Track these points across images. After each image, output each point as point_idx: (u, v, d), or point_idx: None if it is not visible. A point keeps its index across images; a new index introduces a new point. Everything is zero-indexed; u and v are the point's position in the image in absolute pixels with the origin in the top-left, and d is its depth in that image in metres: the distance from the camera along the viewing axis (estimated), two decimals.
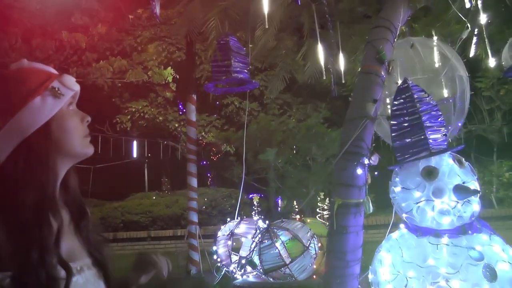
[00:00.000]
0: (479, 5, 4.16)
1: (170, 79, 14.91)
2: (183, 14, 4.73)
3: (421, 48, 3.92)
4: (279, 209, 11.70)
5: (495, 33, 4.95)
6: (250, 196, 13.01)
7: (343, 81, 4.97)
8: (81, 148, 1.31)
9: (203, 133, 15.68)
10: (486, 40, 4.37)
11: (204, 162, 16.61)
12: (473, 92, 13.22)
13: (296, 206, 10.23)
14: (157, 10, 3.75)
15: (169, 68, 14.93)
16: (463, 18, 3.92)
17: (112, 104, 14.93)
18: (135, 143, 16.88)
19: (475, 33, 4.54)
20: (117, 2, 13.63)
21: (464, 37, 4.08)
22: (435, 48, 3.98)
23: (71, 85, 1.26)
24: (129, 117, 15.22)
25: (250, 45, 4.94)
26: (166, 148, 17.36)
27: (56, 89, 1.21)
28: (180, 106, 15.93)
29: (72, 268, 1.20)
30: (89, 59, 12.96)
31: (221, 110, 16.23)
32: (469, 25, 4.02)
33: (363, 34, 4.91)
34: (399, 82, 3.56)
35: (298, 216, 7.22)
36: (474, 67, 7.08)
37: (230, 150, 14.99)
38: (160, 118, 15.56)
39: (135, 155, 16.95)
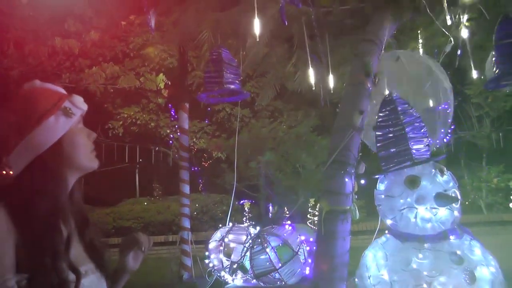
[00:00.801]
0: (462, 19, 4.33)
1: (162, 85, 15.02)
2: (176, 25, 4.85)
3: (406, 61, 4.08)
4: (270, 215, 11.83)
5: (479, 45, 5.11)
6: (241, 202, 13.14)
7: (331, 92, 5.11)
8: (88, 162, 1.45)
9: (194, 139, 15.77)
10: (469, 53, 4.52)
11: (195, 168, 16.70)
12: (460, 99, 13.40)
13: (287, 212, 10.38)
14: (152, 23, 3.89)
15: (161, 74, 15.05)
16: (446, 33, 4.07)
17: (104, 110, 15.00)
18: (127, 149, 16.93)
19: (460, 45, 4.70)
20: (109, 8, 13.72)
21: (447, 51, 4.24)
22: (419, 61, 4.15)
23: (81, 105, 1.40)
24: (121, 123, 15.31)
25: (243, 52, 5.09)
26: (157, 154, 17.44)
27: (68, 109, 1.35)
28: (172, 112, 16.02)
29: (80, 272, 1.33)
30: (82, 65, 13.03)
31: (213, 116, 16.34)
32: (452, 39, 4.17)
33: (352, 45, 5.05)
34: (386, 93, 3.73)
35: (289, 222, 7.34)
36: (463, 74, 7.27)
37: (221, 156, 15.11)
38: (152, 124, 15.67)
39: (126, 160, 17.00)
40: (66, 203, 1.41)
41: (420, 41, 4.90)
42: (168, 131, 15.98)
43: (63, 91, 1.46)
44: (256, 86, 14.01)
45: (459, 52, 4.80)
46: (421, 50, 5.17)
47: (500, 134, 15.30)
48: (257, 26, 3.54)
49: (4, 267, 1.19)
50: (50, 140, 1.34)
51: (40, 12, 12.52)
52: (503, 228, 13.22)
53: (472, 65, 4.62)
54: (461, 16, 4.33)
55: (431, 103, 4.08)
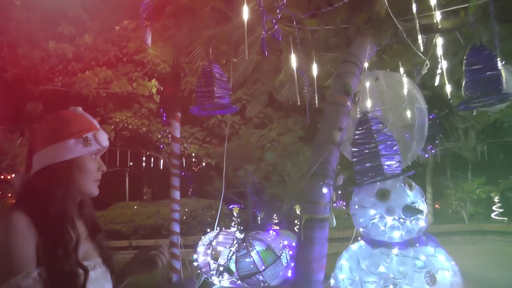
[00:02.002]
0: (438, 44, 4.68)
1: (154, 90, 15.20)
2: (171, 40, 5.14)
3: (385, 81, 4.40)
4: (259, 220, 12.08)
5: (458, 64, 5.42)
6: (230, 207, 13.37)
7: (317, 106, 5.41)
8: (88, 188, 1.75)
9: (185, 145, 15.91)
10: (444, 75, 4.85)
11: (185, 173, 16.84)
12: (447, 111, 13.66)
13: (276, 218, 10.65)
14: (149, 41, 4.18)
15: (154, 80, 15.24)
16: (422, 57, 4.40)
17: (96, 114, 15.08)
18: (118, 153, 17.04)
19: (440, 65, 5.03)
20: (103, 12, 13.88)
21: (423, 73, 4.57)
22: (397, 81, 4.47)
23: (101, 141, 1.70)
24: (113, 127, 15.34)
25: (235, 60, 5.37)
26: (148, 158, 17.56)
27: (88, 139, 1.66)
28: (164, 118, 16.17)
29: (88, 265, 1.63)
30: (75, 69, 13.09)
31: (204, 122, 16.52)
32: (428, 62, 4.50)
33: (337, 61, 5.34)
34: (368, 110, 4.07)
35: (277, 227, 7.60)
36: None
37: (211, 162, 15.29)
38: (144, 129, 15.74)
39: (117, 165, 17.12)
40: (72, 211, 1.69)
41: (400, 63, 5.22)
42: (159, 136, 16.09)
43: (96, 124, 1.76)
44: (247, 93, 14.24)
45: (438, 71, 5.12)
46: (402, 70, 5.51)
47: (485, 146, 15.69)
48: (246, 45, 3.82)
49: (28, 261, 1.46)
50: (64, 156, 1.64)
51: (33, 14, 12.69)
52: (483, 237, 13.63)
53: (448, 85, 4.96)
54: (437, 41, 4.67)
55: (407, 121, 4.39)
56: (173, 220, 7.30)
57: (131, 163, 17.68)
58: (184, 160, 16.22)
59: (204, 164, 16.50)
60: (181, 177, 7.93)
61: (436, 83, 5.41)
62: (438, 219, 15.99)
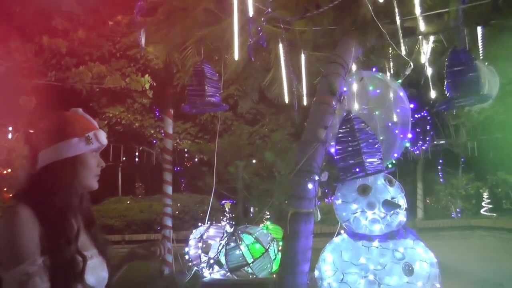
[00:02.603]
0: (422, 46, 4.86)
1: (147, 86, 15.29)
2: (164, 39, 5.28)
3: (369, 81, 4.57)
4: (252, 215, 12.25)
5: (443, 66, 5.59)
6: (222, 202, 13.55)
7: (305, 104, 5.58)
8: (90, 182, 1.93)
9: (177, 140, 16.03)
10: (428, 77, 5.04)
11: (178, 168, 16.96)
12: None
13: (268, 214, 10.84)
14: (143, 42, 4.33)
15: (147, 75, 15.32)
16: (406, 58, 4.58)
17: (90, 109, 15.13)
18: (111, 148, 17.11)
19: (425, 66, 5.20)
20: (97, 7, 13.91)
21: (407, 73, 4.74)
22: (381, 81, 4.64)
23: (101, 140, 1.88)
24: (106, 122, 15.43)
25: (226, 56, 5.52)
26: (141, 153, 17.67)
27: (90, 138, 1.83)
28: (157, 113, 16.26)
29: (86, 255, 1.79)
30: (68, 64, 13.13)
31: (196, 118, 16.66)
32: (411, 63, 4.67)
33: (324, 61, 5.50)
34: (356, 109, 4.25)
35: (268, 222, 7.76)
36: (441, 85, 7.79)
37: (203, 157, 15.44)
38: (137, 124, 15.85)
39: (110, 159, 17.20)
40: (75, 204, 1.86)
41: (386, 63, 5.38)
42: (152, 131, 16.22)
43: (95, 124, 1.93)
44: (239, 89, 14.37)
45: (427, 70, 5.28)
46: (388, 69, 5.67)
47: (475, 143, 15.93)
48: (236, 39, 3.97)
49: (33, 250, 1.63)
50: (68, 153, 1.81)
51: (27, 8, 12.74)
52: (471, 233, 13.89)
53: (431, 85, 5.14)
54: (421, 43, 4.85)
55: (391, 120, 4.57)
56: (165, 214, 7.47)
57: (123, 158, 17.77)
58: (176, 155, 16.33)
59: (196, 159, 16.63)
60: (174, 172, 8.07)
61: (422, 82, 5.57)
62: (428, 214, 16.23)
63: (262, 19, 3.84)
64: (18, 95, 11.81)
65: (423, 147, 16.28)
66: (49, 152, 1.79)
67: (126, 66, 15.15)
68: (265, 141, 12.42)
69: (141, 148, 17.32)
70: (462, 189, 15.55)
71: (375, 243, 3.53)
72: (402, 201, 3.63)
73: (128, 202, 15.42)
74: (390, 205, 3.48)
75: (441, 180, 16.15)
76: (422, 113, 15.61)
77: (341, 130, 3.74)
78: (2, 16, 11.93)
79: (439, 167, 16.66)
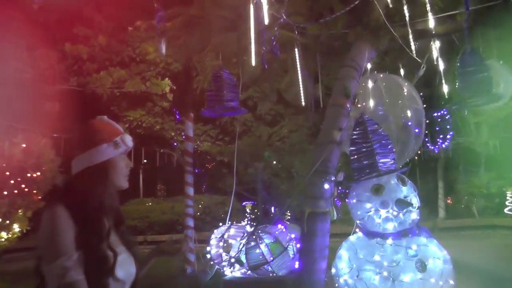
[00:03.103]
0: (434, 47, 4.96)
1: (167, 89, 15.50)
2: (182, 48, 5.47)
3: (383, 83, 4.70)
4: (271, 215, 12.35)
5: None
6: (244, 203, 13.70)
7: (321, 106, 5.71)
8: (121, 182, 2.08)
9: (198, 142, 16.19)
10: (442, 77, 5.13)
11: (199, 170, 17.11)
12: (459, 106, 13.72)
13: (289, 214, 10.94)
14: (163, 49, 4.51)
15: (167, 79, 15.53)
16: (418, 60, 4.69)
17: (111, 113, 15.31)
18: (132, 151, 17.26)
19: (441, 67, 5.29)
20: (117, 13, 14.17)
21: (420, 75, 4.85)
22: (395, 83, 4.76)
23: (128, 143, 2.04)
24: (127, 125, 15.60)
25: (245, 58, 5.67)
26: (162, 156, 17.88)
27: (117, 142, 1.99)
28: (177, 116, 16.44)
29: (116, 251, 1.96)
30: (90, 69, 13.40)
31: (216, 120, 16.80)
32: (424, 65, 4.78)
33: (339, 63, 5.62)
34: (371, 110, 4.38)
35: (288, 223, 7.86)
36: None
37: (223, 159, 15.58)
38: (157, 127, 16.03)
39: (132, 162, 17.32)
40: (107, 205, 2.03)
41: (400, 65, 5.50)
42: (172, 133, 16.40)
43: (120, 128, 2.10)
44: (258, 91, 14.49)
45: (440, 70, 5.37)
46: (402, 71, 5.77)
47: (497, 141, 15.71)
48: (252, 45, 4.13)
49: (70, 246, 1.79)
50: (99, 159, 1.98)
51: (50, 17, 13.08)
52: (493, 232, 13.71)
53: (444, 87, 5.23)
54: (433, 44, 4.95)
55: (404, 120, 4.69)
56: (187, 215, 7.65)
57: (145, 161, 17.99)
58: (197, 157, 16.49)
59: (216, 162, 16.75)
60: (195, 174, 8.23)
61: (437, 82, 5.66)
62: (450, 214, 16.07)
63: (276, 28, 3.98)
64: (42, 101, 12.12)
65: (443, 146, 16.09)
66: (82, 159, 1.96)
67: (146, 70, 15.41)
68: (284, 141, 12.51)
69: (162, 150, 17.52)
70: (483, 187, 15.39)
71: (389, 241, 3.66)
72: (415, 200, 3.76)
73: (150, 203, 15.65)
74: (403, 203, 3.61)
75: (462, 178, 15.97)
76: (442, 112, 15.43)
77: (354, 132, 3.88)
78: (27, 26, 12.27)
79: (459, 166, 16.45)
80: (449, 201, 17.04)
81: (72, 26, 13.42)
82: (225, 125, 16.49)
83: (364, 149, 3.81)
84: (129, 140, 2.06)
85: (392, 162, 3.82)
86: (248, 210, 13.11)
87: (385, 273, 3.52)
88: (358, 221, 3.89)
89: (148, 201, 16.35)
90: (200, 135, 16.35)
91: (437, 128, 15.64)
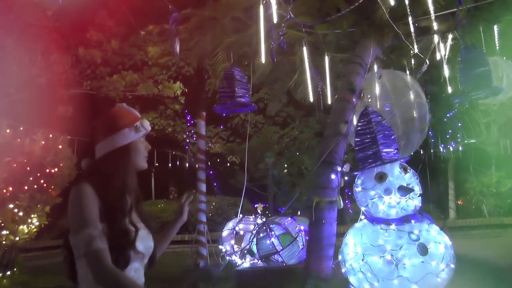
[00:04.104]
0: (440, 43, 5.12)
1: (179, 92, 15.70)
2: (195, 47, 5.69)
3: (388, 79, 4.88)
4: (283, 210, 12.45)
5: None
6: (255, 205, 13.81)
7: (329, 103, 5.89)
8: (141, 163, 2.28)
9: (210, 144, 16.32)
10: (446, 72, 5.28)
11: (211, 172, 17.23)
12: (468, 106, 13.66)
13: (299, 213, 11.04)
14: (177, 49, 4.73)
15: (178, 82, 15.75)
16: (421, 56, 4.86)
17: None
18: None
19: (445, 63, 5.45)
20: (129, 18, 14.41)
21: (423, 71, 5.02)
22: (399, 79, 4.94)
23: (147, 127, 2.24)
24: None
25: (252, 68, 5.89)
26: (174, 158, 18.03)
27: (138, 127, 2.19)
28: (188, 118, 16.61)
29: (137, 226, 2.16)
30: (103, 73, 13.59)
31: (228, 122, 16.92)
32: (427, 61, 4.95)
33: (346, 62, 5.80)
34: (376, 103, 4.57)
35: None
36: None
37: (235, 160, 15.71)
38: (169, 129, 16.23)
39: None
40: (130, 183, 2.23)
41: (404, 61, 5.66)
42: (184, 136, 16.57)
43: (138, 114, 2.30)
44: (269, 93, 14.59)
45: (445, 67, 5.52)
46: (407, 67, 5.93)
47: (507, 140, 15.67)
48: (263, 51, 4.34)
49: (95, 218, 1.98)
50: (122, 142, 2.18)
51: (64, 22, 13.36)
52: (504, 231, 13.59)
53: (448, 82, 5.39)
54: (441, 40, 5.12)
55: (408, 114, 4.87)
56: (200, 210, 7.85)
57: (156, 164, 18.12)
58: (209, 159, 16.61)
59: (228, 163, 16.86)
60: (207, 175, 8.38)
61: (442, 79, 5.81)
62: (461, 215, 16.02)
63: (283, 25, 4.19)
64: (56, 104, 12.37)
65: (454, 147, 16.06)
66: (106, 144, 2.16)
67: (158, 74, 15.60)
68: (293, 139, 12.63)
69: (174, 152, 17.67)
70: (493, 187, 15.35)
71: (392, 226, 3.85)
72: (417, 187, 3.95)
73: (162, 205, 15.78)
74: (405, 190, 3.81)
75: (472, 178, 15.93)
76: (452, 112, 15.43)
77: (359, 124, 4.08)
78: (42, 32, 12.56)
79: (470, 167, 16.38)
80: (460, 203, 16.98)
81: (86, 31, 13.72)
82: (237, 126, 16.58)
83: (368, 140, 4.01)
84: (147, 124, 2.25)
85: (395, 152, 4.01)
86: (259, 211, 13.22)
87: (389, 257, 3.71)
88: (363, 208, 4.09)
89: (160, 202, 16.44)
90: (211, 137, 16.48)
91: (448, 130, 15.63)
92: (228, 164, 17.07)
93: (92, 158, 2.19)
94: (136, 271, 2.11)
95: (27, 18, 12.49)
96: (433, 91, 7.79)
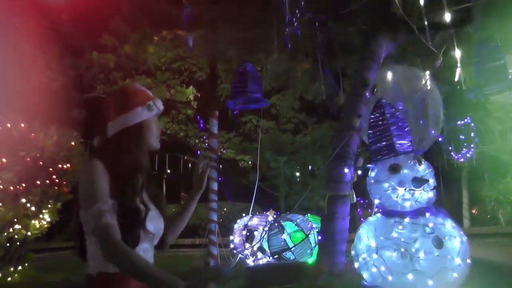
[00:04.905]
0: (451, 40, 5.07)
1: (191, 97, 15.78)
2: (207, 43, 5.70)
3: (401, 74, 4.81)
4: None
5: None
6: (266, 212, 13.77)
7: (343, 101, 5.87)
8: (154, 142, 2.26)
9: (222, 149, 16.35)
10: (458, 68, 5.22)
11: (221, 179, 17.21)
12: (482, 113, 13.48)
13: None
14: (191, 43, 4.75)
15: (191, 87, 15.84)
16: (435, 51, 4.80)
17: None
18: (156, 157, 17.54)
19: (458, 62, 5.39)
20: (142, 24, 14.56)
21: (437, 66, 4.96)
22: (412, 74, 4.87)
23: (159, 106, 2.22)
24: None
25: (266, 67, 5.89)
26: (185, 163, 18.07)
27: (151, 105, 2.18)
28: (201, 124, 16.66)
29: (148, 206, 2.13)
30: (116, 78, 13.74)
31: (240, 128, 16.94)
32: (441, 56, 4.89)
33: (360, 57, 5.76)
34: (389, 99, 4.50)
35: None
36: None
37: (246, 166, 15.69)
38: (181, 134, 16.31)
39: (156, 169, 17.59)
40: (142, 162, 2.21)
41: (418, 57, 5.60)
42: (196, 141, 16.63)
43: (150, 93, 2.29)
44: (281, 99, 14.62)
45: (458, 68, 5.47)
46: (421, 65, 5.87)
47: None
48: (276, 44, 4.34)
49: (105, 193, 1.96)
50: (135, 120, 2.16)
51: (79, 28, 13.54)
52: None
53: (462, 79, 5.31)
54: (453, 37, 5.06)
55: (422, 109, 4.79)
56: (211, 209, 7.84)
57: (168, 171, 18.15)
58: (221, 166, 16.63)
59: (241, 166, 16.84)
60: (218, 182, 8.36)
61: (456, 78, 5.75)
62: (475, 224, 15.82)
63: (297, 11, 4.18)
64: (70, 108, 12.48)
65: (468, 155, 15.89)
66: (118, 121, 2.14)
67: (171, 79, 15.73)
68: (305, 139, 12.61)
69: (186, 157, 17.71)
70: (509, 194, 15.15)
71: (407, 219, 3.79)
72: (431, 180, 3.88)
73: (173, 209, 15.82)
74: (419, 181, 3.75)
75: (487, 186, 15.74)
76: (466, 120, 15.30)
77: (372, 116, 4.04)
78: (57, 37, 12.72)
79: (485, 175, 16.20)
80: (474, 212, 16.78)
81: (100, 36, 13.89)
82: (249, 132, 16.62)
83: (381, 131, 3.96)
84: (160, 103, 2.22)
85: (409, 144, 3.96)
86: (271, 218, 13.15)
87: (403, 249, 3.64)
88: (376, 201, 4.02)
89: (171, 207, 16.49)
90: (223, 142, 16.51)
91: (461, 137, 15.50)
92: (240, 169, 17.03)
93: (104, 136, 2.17)
94: (145, 251, 2.07)
95: (44, 22, 12.69)
96: (446, 91, 7.73)
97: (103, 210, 1.89)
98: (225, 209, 14.87)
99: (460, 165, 16.20)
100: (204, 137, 15.17)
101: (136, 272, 1.85)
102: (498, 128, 15.03)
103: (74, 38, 13.38)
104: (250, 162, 15.26)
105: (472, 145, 15.55)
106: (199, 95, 15.62)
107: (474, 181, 16.68)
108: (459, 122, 14.94)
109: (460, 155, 15.61)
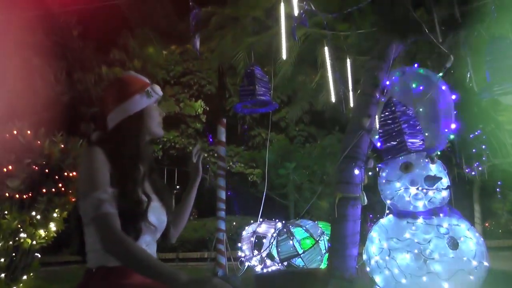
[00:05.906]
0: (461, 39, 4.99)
1: (200, 111, 15.80)
2: (216, 49, 5.67)
3: (411, 75, 4.72)
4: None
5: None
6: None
7: (352, 105, 5.77)
8: (156, 130, 2.19)
9: (230, 163, 16.29)
10: (469, 68, 5.12)
11: (230, 193, 17.16)
12: (494, 126, 13.37)
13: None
14: (197, 45, 4.70)
15: (200, 100, 15.88)
16: (445, 51, 4.70)
17: None
18: (165, 171, 17.54)
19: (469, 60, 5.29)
20: (151, 38, 14.73)
21: (448, 66, 4.84)
22: (422, 75, 4.78)
23: (158, 92, 2.15)
24: (160, 146, 15.89)
25: (274, 68, 5.83)
26: None
27: (149, 92, 2.11)
28: (210, 138, 16.65)
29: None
30: None
31: (248, 141, 16.89)
32: (452, 56, 4.78)
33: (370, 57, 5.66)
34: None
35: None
36: (496, 101, 7.60)
37: (256, 180, 15.60)
38: (190, 148, 16.30)
39: (165, 183, 17.45)
40: (143, 151, 2.13)
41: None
42: (205, 155, 16.60)
43: (147, 80, 2.22)
44: (289, 111, 14.56)
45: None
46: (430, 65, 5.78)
47: None
48: (284, 42, 4.27)
49: (105, 181, 1.87)
50: (135, 109, 2.09)
51: (88, 43, 13.71)
52: None
53: (473, 80, 5.20)
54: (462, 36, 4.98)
55: (432, 109, 4.67)
56: (219, 218, 7.72)
57: (178, 186, 18.12)
58: (229, 180, 16.54)
59: (250, 180, 16.76)
60: (227, 196, 8.28)
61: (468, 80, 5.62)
62: (488, 237, 15.59)
63: (304, 3, 4.12)
64: (78, 122, 12.47)
65: (480, 169, 15.69)
66: (117, 112, 2.06)
67: (180, 92, 15.79)
68: (314, 145, 12.53)
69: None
70: None
71: (420, 220, 3.66)
72: (445, 179, 3.76)
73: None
74: (432, 179, 3.63)
75: (499, 196, 15.56)
76: (477, 132, 15.12)
77: (382, 115, 3.94)
78: (67, 51, 12.86)
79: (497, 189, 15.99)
80: (487, 225, 16.53)
81: (109, 51, 14.02)
82: (258, 145, 16.57)
83: (393, 130, 3.86)
84: (158, 89, 2.16)
85: (421, 142, 3.86)
86: (280, 225, 13.02)
87: (416, 251, 3.51)
88: (388, 201, 3.90)
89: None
90: (232, 156, 16.46)
91: (473, 150, 15.32)
92: (249, 183, 16.95)
93: (104, 130, 2.10)
94: (147, 244, 1.99)
95: (54, 37, 12.85)
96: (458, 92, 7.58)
97: (102, 199, 1.81)
98: (234, 223, 14.76)
99: (472, 178, 15.99)
100: (212, 151, 15.12)
101: (137, 263, 1.76)
102: (510, 142, 14.85)
103: (83, 53, 13.53)
104: (258, 176, 15.17)
105: (483, 158, 15.37)
106: (207, 109, 15.63)
107: (486, 195, 16.46)
108: (470, 136, 14.78)
109: (471, 168, 15.42)
